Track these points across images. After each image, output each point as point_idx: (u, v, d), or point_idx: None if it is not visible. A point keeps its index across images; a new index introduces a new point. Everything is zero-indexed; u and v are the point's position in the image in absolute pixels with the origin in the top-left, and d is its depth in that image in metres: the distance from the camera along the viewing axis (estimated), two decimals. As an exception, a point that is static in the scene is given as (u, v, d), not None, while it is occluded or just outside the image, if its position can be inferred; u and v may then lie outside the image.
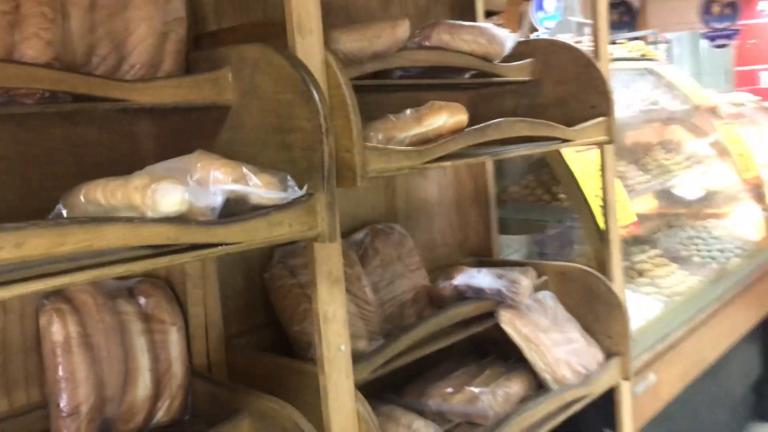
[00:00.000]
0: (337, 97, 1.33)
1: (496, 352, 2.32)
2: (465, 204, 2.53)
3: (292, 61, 1.23)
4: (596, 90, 2.17)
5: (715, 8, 10.54)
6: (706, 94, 3.70)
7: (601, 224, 2.26)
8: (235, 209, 1.15)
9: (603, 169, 2.25)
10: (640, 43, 3.88)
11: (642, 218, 3.75)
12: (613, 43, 3.90)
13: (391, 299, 2.04)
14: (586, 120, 2.13)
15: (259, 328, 1.78)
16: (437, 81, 2.00)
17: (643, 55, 3.66)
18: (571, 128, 1.99)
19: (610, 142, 2.15)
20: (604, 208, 2.24)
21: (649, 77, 3.58)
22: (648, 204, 3.51)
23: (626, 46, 3.76)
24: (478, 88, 2.41)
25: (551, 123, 1.89)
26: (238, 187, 1.13)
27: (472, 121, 1.63)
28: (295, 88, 1.23)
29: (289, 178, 1.20)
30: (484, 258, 2.53)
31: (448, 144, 1.54)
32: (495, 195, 2.53)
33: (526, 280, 2.06)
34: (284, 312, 1.71)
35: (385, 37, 1.60)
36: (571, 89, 2.22)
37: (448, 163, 1.55)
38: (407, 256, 2.15)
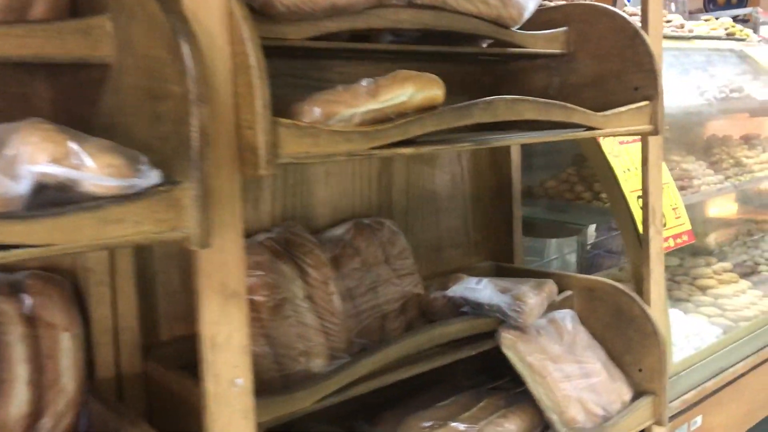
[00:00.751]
0: (240, 56, 1.01)
1: (512, 373, 1.96)
2: (485, 199, 2.17)
3: (165, 6, 0.92)
4: (641, 68, 1.76)
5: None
6: (805, 82, 3.14)
7: (641, 231, 1.85)
8: (62, 200, 0.86)
9: (645, 164, 1.84)
10: (728, 20, 3.35)
11: (711, 224, 3.27)
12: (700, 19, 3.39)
13: (370, 309, 1.71)
14: (627, 103, 1.74)
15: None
16: (436, 48, 1.64)
17: (729, 34, 3.13)
18: (599, 113, 1.59)
19: (653, 132, 1.74)
20: (645, 212, 1.83)
21: (733, 60, 3.06)
22: (721, 208, 3.02)
23: (711, 23, 3.24)
24: (504, 62, 2.03)
25: (569, 105, 1.51)
26: (55, 170, 0.83)
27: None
28: (166, 41, 0.92)
29: (142, 159, 0.89)
30: (504, 264, 2.16)
31: (409, 125, 1.20)
32: (520, 190, 2.15)
33: (534, 298, 1.69)
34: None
35: (345, -15, 1.27)
36: (612, 66, 1.82)
37: (408, 150, 1.21)
38: (397, 258, 1.82)
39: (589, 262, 2.50)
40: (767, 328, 2.38)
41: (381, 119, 1.21)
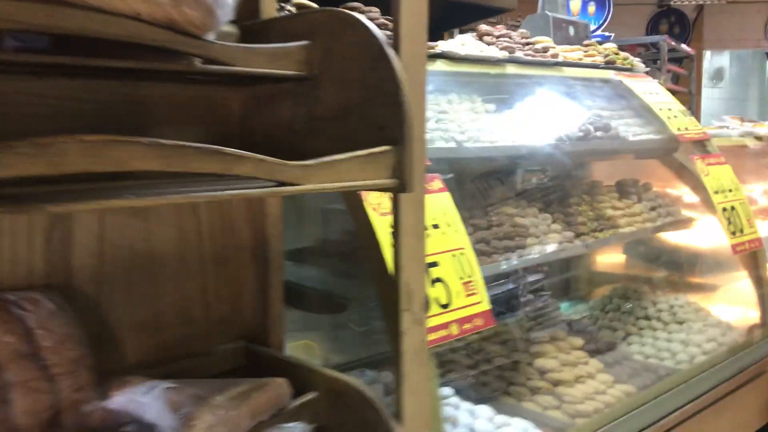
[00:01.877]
0: None
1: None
2: (235, 261, 1.66)
3: None
4: (385, 100, 1.28)
5: (784, 25, 9.22)
6: (691, 121, 2.71)
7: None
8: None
9: (396, 231, 1.35)
10: (612, 46, 2.92)
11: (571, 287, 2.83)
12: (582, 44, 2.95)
13: (-18, 427, 1.18)
14: (374, 146, 1.27)
15: None
16: (82, 61, 1.13)
17: (608, 62, 2.70)
18: (294, 163, 1.11)
19: (398, 188, 1.26)
20: (395, 294, 1.35)
21: (606, 92, 2.62)
22: (581, 269, 2.58)
23: (590, 49, 2.81)
24: (251, 84, 1.55)
25: (231, 151, 1.02)
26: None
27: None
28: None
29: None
30: (257, 346, 1.65)
31: None
32: (281, 249, 1.65)
33: (209, 417, 1.19)
34: None
35: None
36: (355, 96, 1.34)
37: None
38: (53, 351, 1.30)
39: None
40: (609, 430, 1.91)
41: None
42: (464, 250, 1.63)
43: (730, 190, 2.61)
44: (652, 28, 8.52)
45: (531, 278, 3.18)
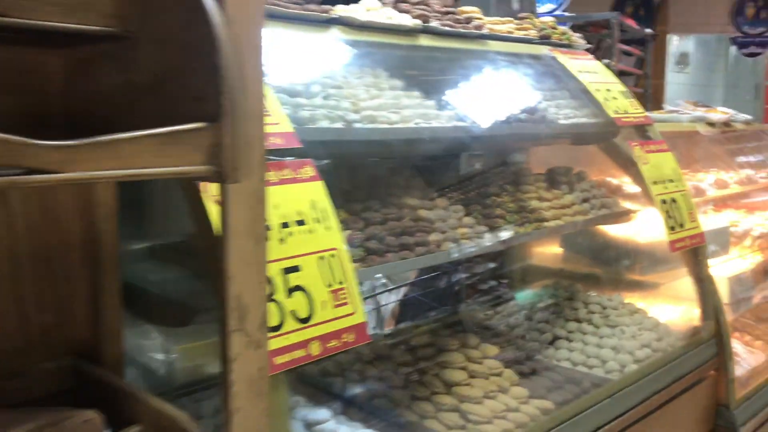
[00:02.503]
0: None
1: None
2: (61, 260, 1.38)
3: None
4: (203, 65, 1.00)
5: (750, 10, 9.06)
6: (632, 104, 2.46)
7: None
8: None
9: (225, 232, 1.08)
10: (549, 19, 2.66)
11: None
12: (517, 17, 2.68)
13: None
14: (192, 121, 1.01)
15: None
16: None
17: (543, 37, 2.44)
18: (39, 143, 0.84)
19: (216, 177, 1.00)
20: (224, 309, 1.08)
21: (538, 70, 2.36)
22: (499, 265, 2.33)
23: (525, 21, 2.54)
24: (71, 44, 1.26)
25: None
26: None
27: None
28: None
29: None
30: (87, 364, 1.38)
31: None
32: (116, 246, 1.37)
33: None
34: None
35: None
36: (174, 59, 1.07)
37: None
38: None
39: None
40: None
41: None
42: (336, 252, 1.36)
43: (671, 181, 2.37)
44: (618, 10, 8.29)
45: (462, 273, 2.94)
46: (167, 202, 1.57)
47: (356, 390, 1.98)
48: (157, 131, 0.96)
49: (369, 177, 1.85)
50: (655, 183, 2.31)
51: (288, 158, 1.39)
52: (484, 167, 2.24)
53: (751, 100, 9.58)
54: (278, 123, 1.42)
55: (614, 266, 2.75)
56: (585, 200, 2.35)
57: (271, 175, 1.34)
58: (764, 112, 8.95)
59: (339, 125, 1.60)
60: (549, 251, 3.00)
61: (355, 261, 1.56)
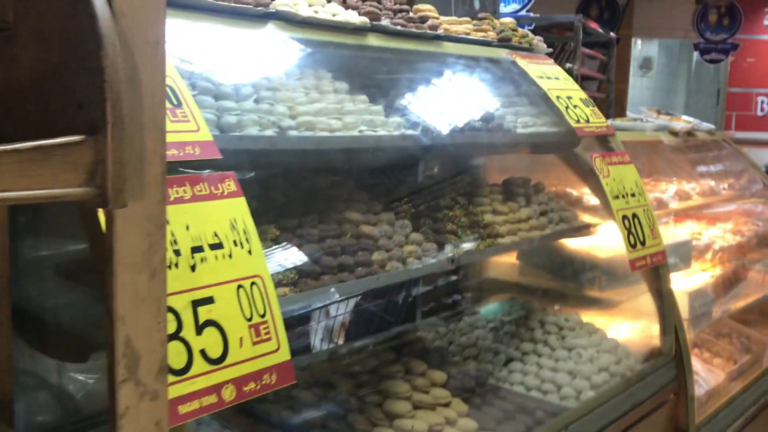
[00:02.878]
0: None
1: None
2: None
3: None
4: (84, 65, 0.83)
5: (713, 16, 9.10)
6: (593, 112, 2.34)
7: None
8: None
9: (110, 256, 0.91)
10: (510, 20, 2.53)
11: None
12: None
13: None
14: (72, 133, 0.84)
15: None
16: None
17: (503, 39, 2.30)
18: None
19: (98, 202, 0.83)
20: (110, 357, 0.91)
21: (495, 73, 2.21)
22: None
23: (484, 22, 2.41)
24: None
25: None
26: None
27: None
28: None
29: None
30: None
31: None
32: (4, 267, 1.19)
33: None
34: None
35: None
36: (54, 57, 0.90)
37: None
38: None
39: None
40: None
41: None
42: (259, 279, 1.20)
43: (633, 195, 2.25)
44: (583, 13, 8.23)
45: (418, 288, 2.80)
46: (68, 211, 1.38)
47: (292, 420, 1.82)
48: (22, 146, 0.79)
49: (307, 189, 1.69)
50: (616, 197, 2.18)
51: (206, 171, 1.22)
52: (436, 179, 2.10)
53: (713, 106, 9.63)
54: (197, 130, 1.25)
55: (573, 282, 2.63)
56: (543, 213, 2.21)
57: (183, 192, 1.17)
58: (724, 119, 9.01)
59: (271, 132, 1.43)
60: (507, 262, 2.88)
61: (285, 285, 1.40)
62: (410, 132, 1.75)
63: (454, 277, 2.84)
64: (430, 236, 1.84)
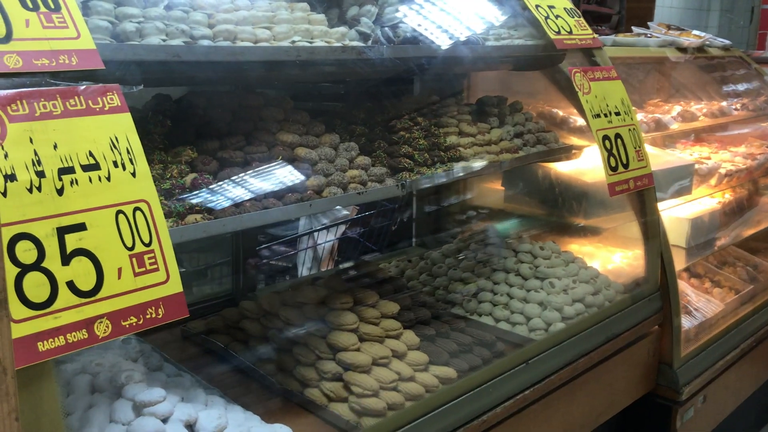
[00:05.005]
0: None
1: None
2: None
3: None
4: None
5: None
6: (578, 23, 2.13)
7: None
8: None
9: None
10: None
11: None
12: None
13: None
14: None
15: None
16: None
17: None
18: None
19: None
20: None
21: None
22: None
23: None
24: None
25: None
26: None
27: None
28: None
29: None
30: None
31: None
32: None
33: None
34: None
35: None
36: None
37: None
38: None
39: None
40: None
41: None
42: (144, 204, 1.08)
43: (617, 114, 2.07)
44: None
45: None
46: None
47: (241, 353, 1.74)
48: None
49: (235, 109, 1.55)
50: (596, 116, 2.00)
51: (84, 83, 1.09)
52: (400, 99, 1.94)
53: (746, 25, 9.09)
54: (77, 37, 1.11)
55: (559, 209, 2.48)
56: (518, 135, 2.05)
57: (53, 106, 1.04)
58: (758, 38, 8.52)
59: (178, 42, 1.29)
60: (493, 189, 2.73)
61: (195, 212, 1.29)
62: (354, 44, 1.59)
63: (434, 207, 2.71)
64: (384, 160, 1.69)
